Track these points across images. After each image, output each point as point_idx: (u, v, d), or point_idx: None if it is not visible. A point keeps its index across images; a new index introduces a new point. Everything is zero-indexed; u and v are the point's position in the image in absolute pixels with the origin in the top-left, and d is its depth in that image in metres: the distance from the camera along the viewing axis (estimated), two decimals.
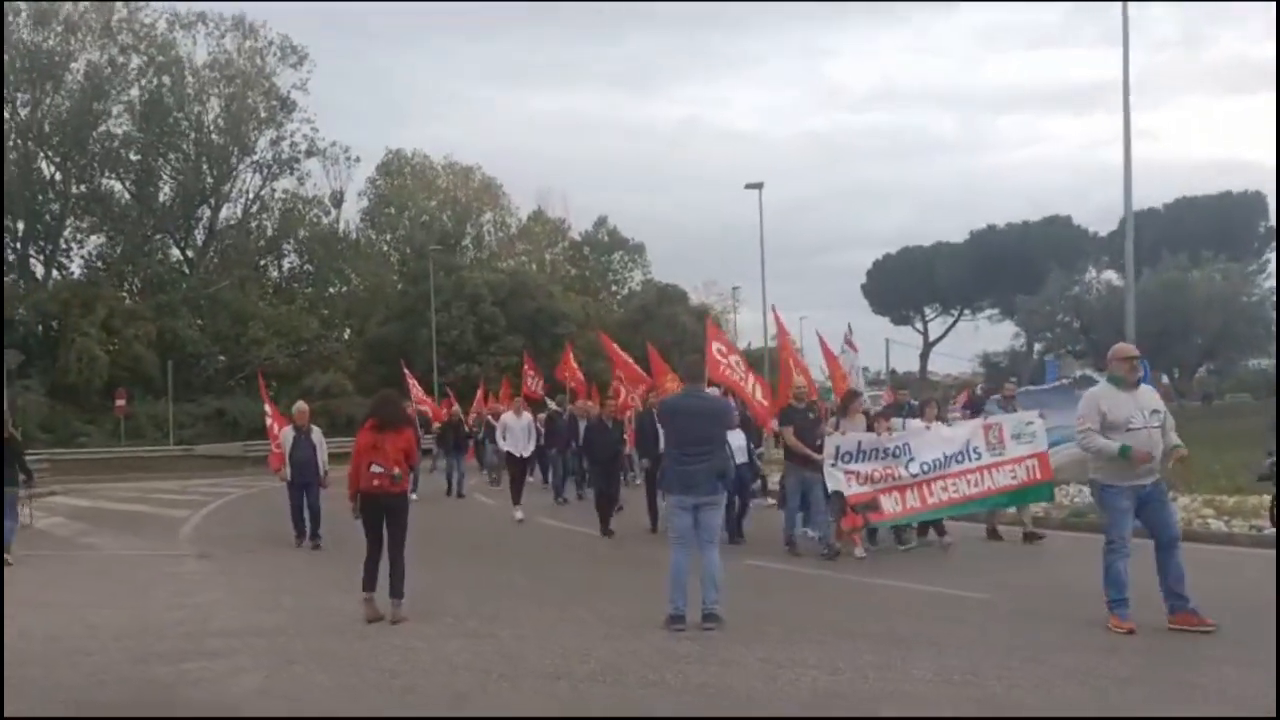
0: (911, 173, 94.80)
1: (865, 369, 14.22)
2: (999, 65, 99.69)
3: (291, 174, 49.51)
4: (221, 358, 45.38)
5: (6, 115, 42.63)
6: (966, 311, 67.93)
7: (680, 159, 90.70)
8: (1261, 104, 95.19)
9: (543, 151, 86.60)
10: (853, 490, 10.03)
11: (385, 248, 56.67)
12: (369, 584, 7.67)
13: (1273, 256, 53.41)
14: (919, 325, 71.03)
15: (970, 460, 10.33)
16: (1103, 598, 6.78)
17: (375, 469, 7.61)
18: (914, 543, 10.94)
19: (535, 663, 6.28)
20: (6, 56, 41.20)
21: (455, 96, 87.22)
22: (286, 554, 11.43)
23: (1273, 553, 9.11)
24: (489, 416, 20.88)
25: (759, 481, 14.35)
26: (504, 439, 15.20)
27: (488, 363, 41.83)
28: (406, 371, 27.18)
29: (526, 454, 15.33)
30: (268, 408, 14.70)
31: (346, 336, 51.80)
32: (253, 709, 5.49)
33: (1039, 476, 10.53)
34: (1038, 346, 46.34)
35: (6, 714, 5.37)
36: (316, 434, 12.36)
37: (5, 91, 40.45)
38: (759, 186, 30.83)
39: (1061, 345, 37.68)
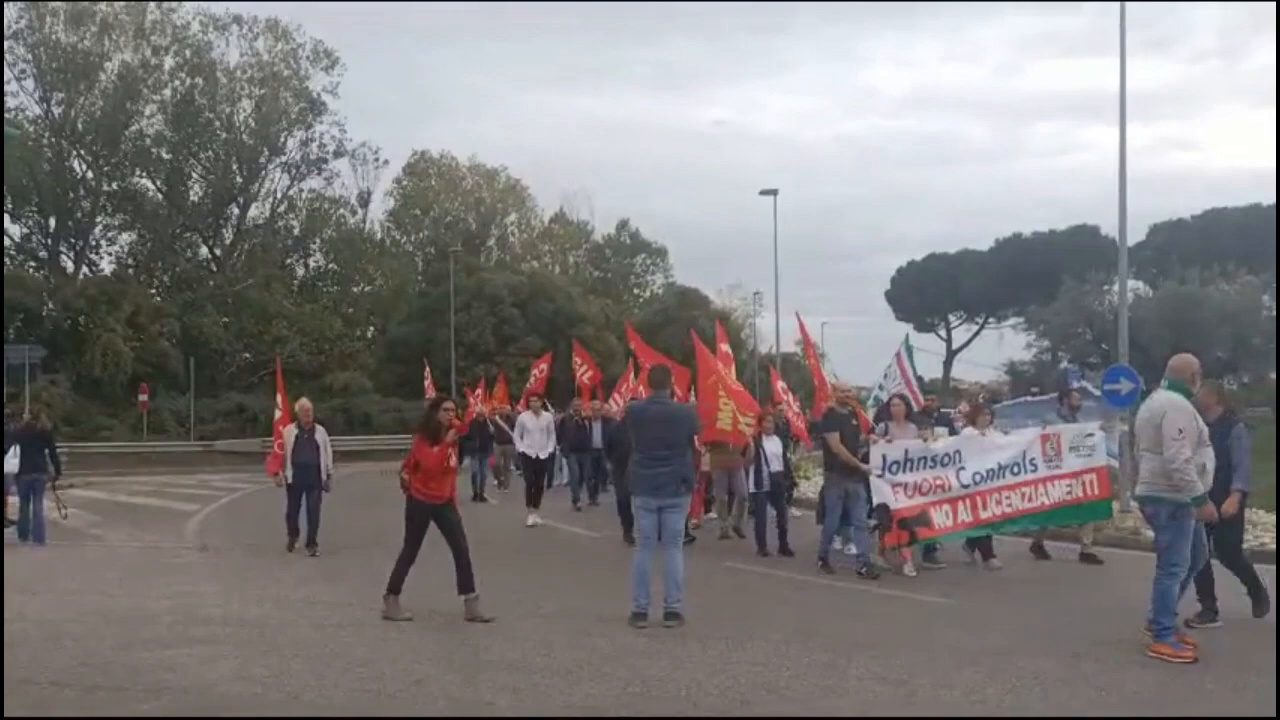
0: (944, 179, 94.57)
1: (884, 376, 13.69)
2: (1033, 72, 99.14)
3: (319, 174, 50.30)
4: (246, 355, 46.15)
5: (40, 114, 43.69)
6: (991, 320, 67.57)
7: (710, 162, 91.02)
8: None
9: (570, 153, 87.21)
10: (900, 504, 9.35)
11: (410, 248, 57.38)
12: (398, 585, 7.71)
13: None
14: (942, 333, 70.77)
15: (1026, 472, 9.61)
16: (1142, 621, 6.55)
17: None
18: (942, 564, 10.14)
19: (496, 655, 6.56)
20: (42, 57, 42.23)
21: (486, 97, 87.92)
22: (283, 549, 11.49)
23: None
24: (497, 417, 19.97)
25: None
26: (521, 439, 14.82)
27: (506, 363, 42.16)
28: (427, 371, 27.04)
29: (545, 455, 14.99)
30: (279, 399, 13.45)
31: (370, 335, 52.55)
32: (226, 693, 5.78)
33: (1097, 493, 9.86)
34: (1064, 356, 46.13)
35: (6, 714, 5.54)
36: (321, 434, 11.66)
37: (40, 91, 41.41)
38: (774, 193, 31.02)
39: (1083, 356, 37.46)
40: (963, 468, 9.54)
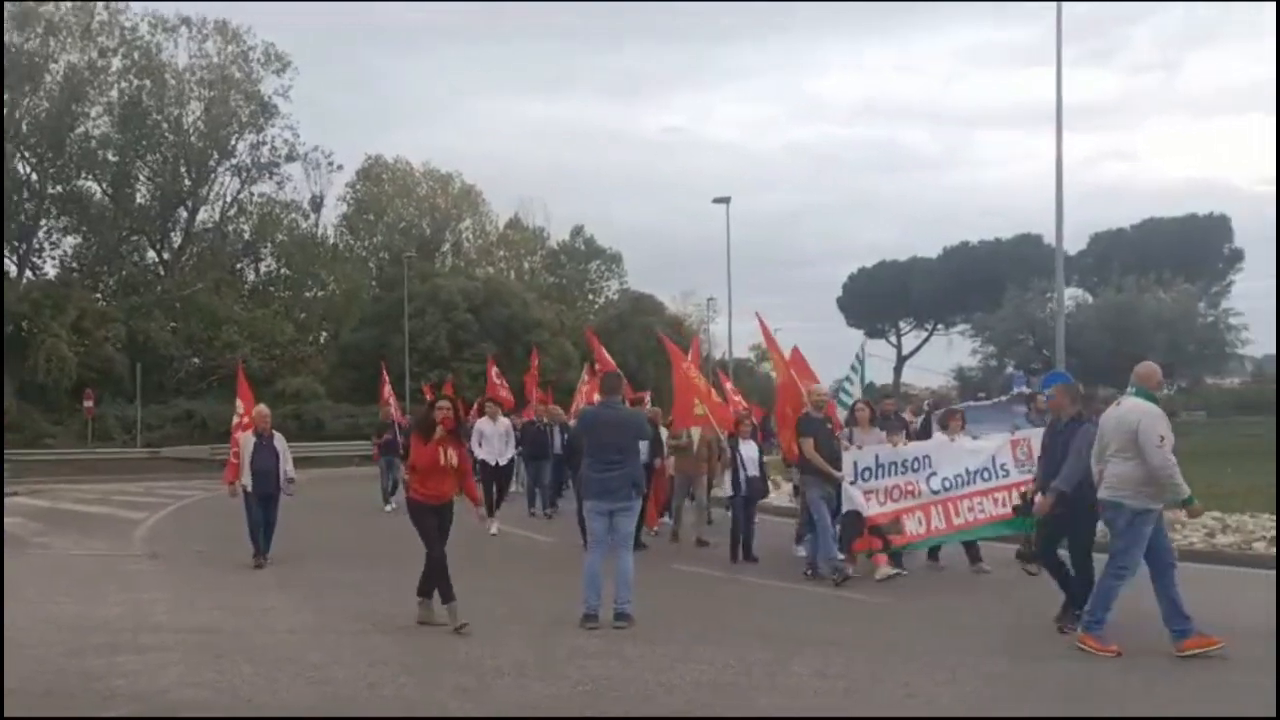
0: (895, 187, 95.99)
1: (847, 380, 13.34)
2: (980, 83, 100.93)
3: (271, 178, 49.90)
4: (194, 360, 45.55)
5: None
6: (940, 326, 68.79)
7: (664, 169, 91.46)
8: (1232, 127, 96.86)
9: (526, 159, 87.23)
10: (873, 510, 9.21)
11: (363, 253, 57.03)
12: (446, 591, 7.51)
13: (1236, 278, 54.60)
14: (893, 339, 71.87)
15: (997, 477, 9.47)
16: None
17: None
18: (905, 570, 9.67)
19: (450, 657, 6.68)
20: None
21: (442, 102, 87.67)
22: (235, 555, 11.34)
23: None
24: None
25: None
26: (480, 446, 14.34)
27: (462, 369, 42.12)
28: (385, 376, 25.92)
29: (504, 461, 14.67)
30: (240, 404, 12.79)
31: (322, 340, 52.12)
32: (176, 698, 5.83)
33: None
34: (1009, 362, 47.18)
35: (6, 714, 5.56)
36: (279, 440, 11.29)
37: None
38: (726, 201, 31.38)
39: (1027, 362, 38.35)
40: (933, 473, 9.43)
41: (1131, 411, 6.51)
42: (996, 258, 58.76)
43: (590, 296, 63.38)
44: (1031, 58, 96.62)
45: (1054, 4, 15.74)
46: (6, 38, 42.38)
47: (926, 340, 70.55)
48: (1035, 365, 34.27)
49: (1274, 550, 10.35)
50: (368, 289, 52.36)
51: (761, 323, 11.57)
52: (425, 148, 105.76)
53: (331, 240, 55.24)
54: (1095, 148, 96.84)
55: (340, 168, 53.86)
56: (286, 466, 11.18)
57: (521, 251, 63.05)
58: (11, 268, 45.76)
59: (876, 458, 9.36)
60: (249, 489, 10.96)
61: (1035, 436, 9.47)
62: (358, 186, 56.48)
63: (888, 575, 9.23)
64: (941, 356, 79.15)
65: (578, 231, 63.02)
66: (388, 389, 23.33)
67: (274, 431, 11.33)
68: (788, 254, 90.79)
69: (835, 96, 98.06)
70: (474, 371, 40.29)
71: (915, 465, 9.42)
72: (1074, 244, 58.22)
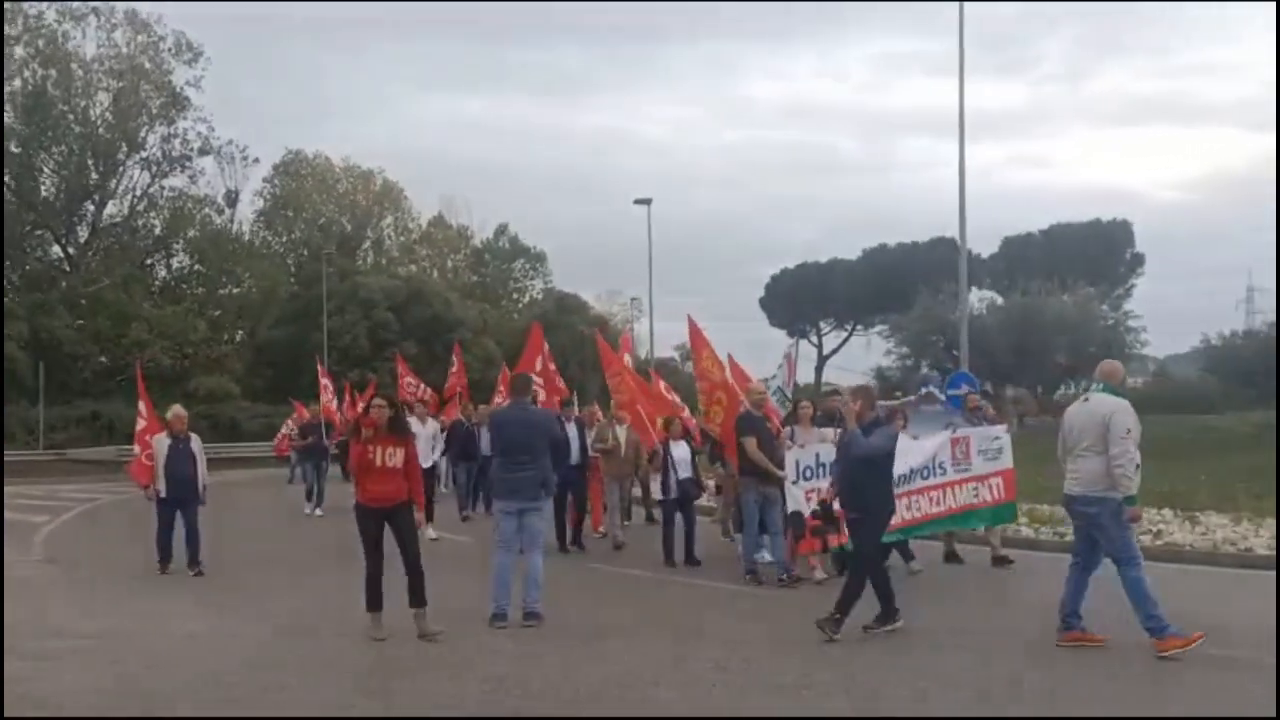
0: (821, 189, 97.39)
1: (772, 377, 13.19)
2: (900, 90, 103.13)
3: (183, 171, 48.53)
4: (102, 359, 44.04)
5: None
6: (859, 327, 70.08)
7: (592, 168, 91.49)
8: (1136, 136, 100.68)
9: (451, 156, 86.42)
10: (814, 510, 8.94)
11: (281, 250, 55.86)
12: (374, 602, 7.21)
13: (1137, 281, 56.86)
14: (814, 339, 72.99)
15: (935, 475, 9.39)
16: (1058, 615, 6.68)
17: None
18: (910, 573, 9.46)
19: (351, 659, 6.68)
20: None
21: (366, 97, 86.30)
22: (137, 559, 10.76)
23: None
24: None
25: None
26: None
27: (382, 369, 41.59)
28: (321, 369, 22.07)
29: (426, 464, 13.52)
30: (142, 406, 12.22)
31: (239, 339, 50.90)
32: (69, 704, 5.72)
33: (1003, 496, 9.87)
34: (925, 363, 48.42)
35: (6, 714, 5.51)
36: (195, 443, 10.63)
37: None
38: (647, 202, 31.61)
39: (940, 362, 39.40)
40: None
41: (1101, 405, 6.59)
42: (913, 260, 60.06)
43: (515, 296, 63.06)
44: (945, 68, 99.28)
45: (967, 17, 16.21)
46: None
47: (846, 340, 71.83)
48: (948, 366, 35.23)
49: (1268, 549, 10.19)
50: (286, 286, 51.28)
51: (692, 324, 11.30)
52: (347, 143, 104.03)
53: (247, 236, 53.92)
54: (1011, 154, 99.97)
55: (256, 161, 52.74)
56: (202, 471, 10.57)
57: (445, 250, 62.46)
58: None
59: (818, 456, 9.18)
60: (162, 495, 10.37)
61: (975, 436, 9.73)
62: (275, 182, 55.31)
63: (823, 577, 9.07)
64: (861, 357, 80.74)
65: (502, 230, 62.73)
66: (327, 385, 22.02)
67: (190, 434, 10.70)
68: (713, 254, 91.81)
69: (762, 100, 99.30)
70: (396, 370, 39.85)
71: None
72: (987, 248, 60.12)
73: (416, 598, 7.15)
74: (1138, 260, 58.32)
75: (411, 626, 7.13)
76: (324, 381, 20.62)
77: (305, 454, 17.92)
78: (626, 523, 13.10)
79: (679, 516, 10.66)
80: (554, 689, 5.88)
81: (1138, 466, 6.40)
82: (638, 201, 31.81)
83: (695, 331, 11.38)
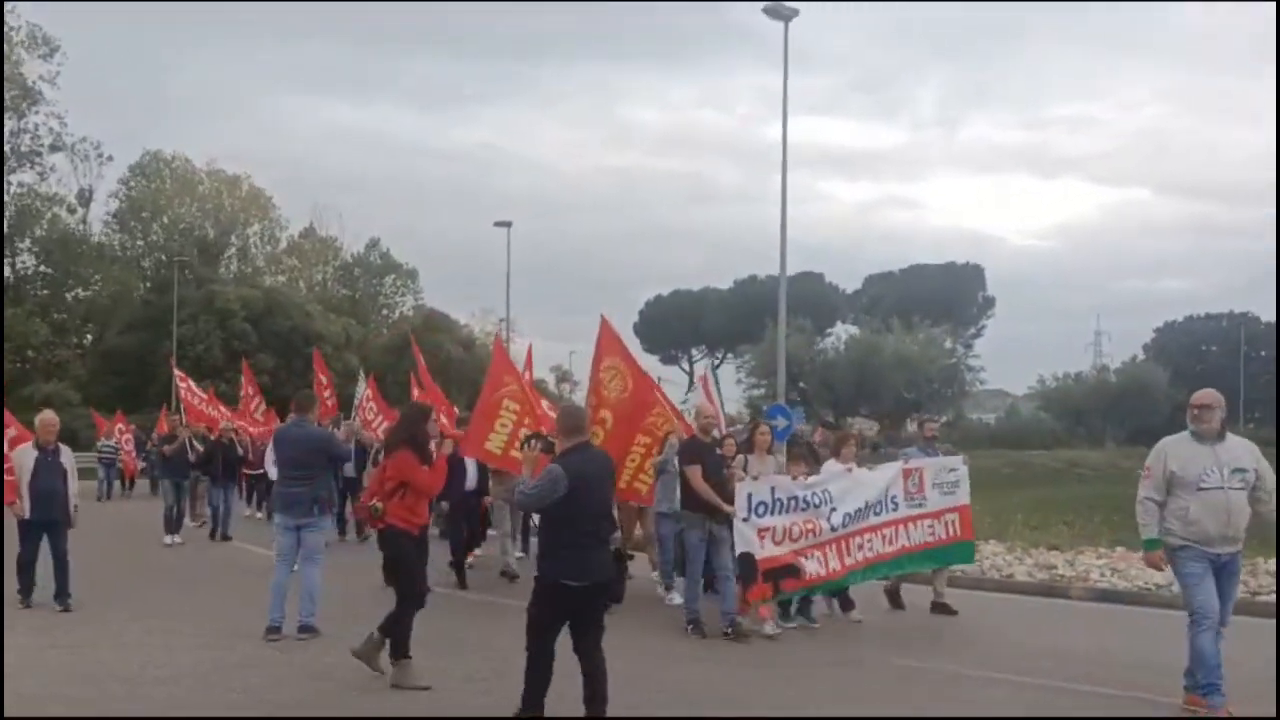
0: (704, 217, 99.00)
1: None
2: (779, 127, 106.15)
3: (32, 168, 46.29)
4: None
5: None
6: (729, 355, 71.72)
7: (473, 184, 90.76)
8: (999, 183, 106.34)
9: (324, 165, 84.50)
10: (767, 551, 7.88)
11: (137, 253, 53.67)
12: (402, 647, 6.38)
13: (988, 322, 60.06)
14: (685, 365, 74.23)
15: (887, 511, 8.57)
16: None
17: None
18: (815, 622, 8.56)
19: (119, 669, 6.63)
20: None
21: (234, 99, 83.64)
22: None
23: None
24: (190, 436, 15.17)
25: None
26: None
27: (235, 380, 40.40)
28: (179, 372, 20.36)
29: None
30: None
31: (88, 343, 48.64)
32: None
33: (959, 534, 8.99)
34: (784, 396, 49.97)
35: (6, 714, 5.45)
36: (66, 455, 9.03)
37: None
38: (507, 225, 31.85)
39: (787, 394, 40.83)
40: (834, 508, 8.27)
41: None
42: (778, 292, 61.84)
43: (384, 311, 62.11)
44: (831, 106, 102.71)
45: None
46: None
47: (717, 368, 73.37)
48: (794, 398, 36.51)
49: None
50: (138, 291, 49.29)
51: (605, 324, 9.98)
52: (213, 145, 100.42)
53: (100, 238, 51.65)
54: (881, 194, 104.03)
55: (110, 159, 50.74)
56: (73, 488, 8.98)
57: (314, 261, 61.11)
58: None
59: (773, 491, 8.05)
60: (25, 516, 8.80)
61: (928, 467, 8.94)
62: (132, 183, 53.20)
63: (775, 631, 8.03)
64: (731, 385, 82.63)
65: (374, 244, 61.74)
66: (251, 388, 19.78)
67: (60, 445, 9.08)
68: (593, 276, 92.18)
69: (644, 125, 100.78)
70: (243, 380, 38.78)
71: (816, 501, 8.22)
72: (852, 284, 62.58)
73: (399, 647, 6.44)
74: (989, 302, 61.60)
75: (179, 642, 7.05)
76: (185, 389, 18.95)
77: (166, 471, 15.05)
78: (521, 554, 11.47)
79: None
80: (300, 697, 5.98)
81: (1185, 513, 5.81)
82: (498, 224, 32.02)
83: (606, 335, 9.98)
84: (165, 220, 53.78)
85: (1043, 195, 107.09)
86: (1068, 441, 45.23)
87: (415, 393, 17.44)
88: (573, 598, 5.13)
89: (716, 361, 73.12)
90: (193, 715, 5.81)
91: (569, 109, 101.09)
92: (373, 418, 17.07)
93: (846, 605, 8.81)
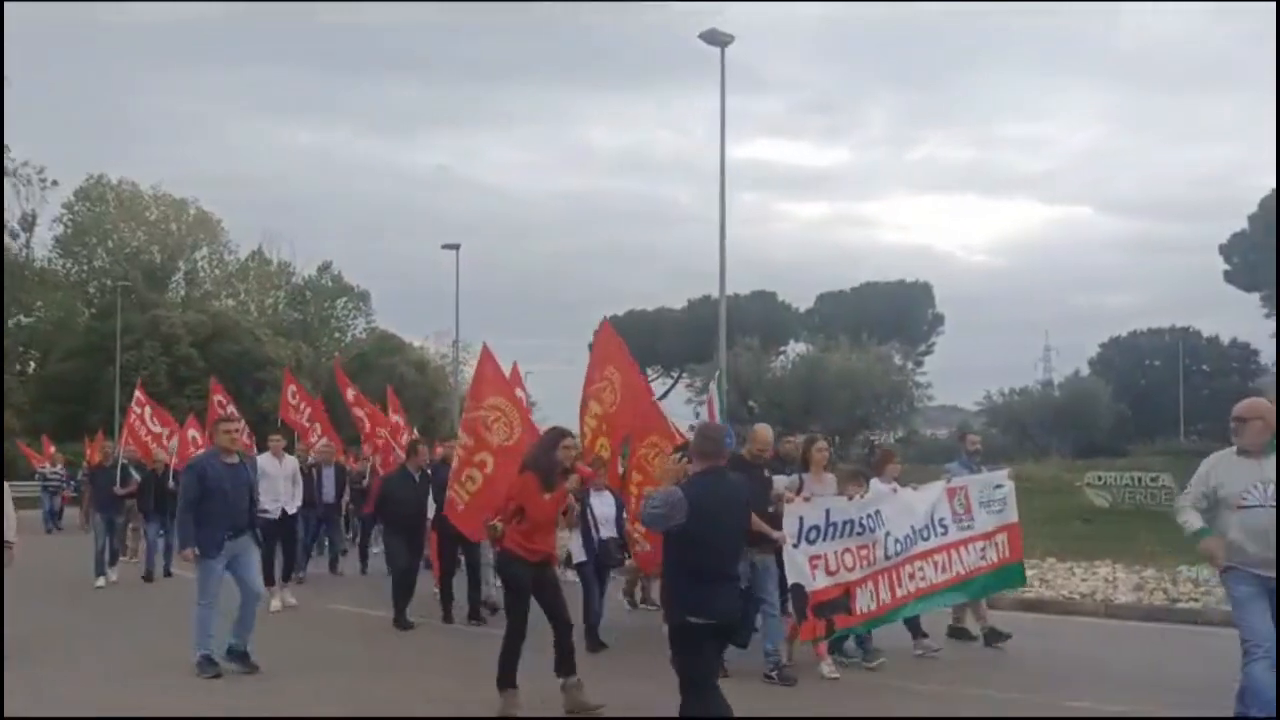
0: (662, 238, 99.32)
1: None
2: (737, 147, 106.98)
3: None
4: None
5: None
6: (684, 375, 72.04)
7: (427, 207, 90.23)
8: (949, 202, 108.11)
9: (276, 188, 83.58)
10: (819, 584, 7.13)
11: (81, 279, 52.79)
12: (509, 677, 6.20)
13: (937, 339, 60.88)
14: None
15: (936, 536, 7.86)
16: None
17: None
18: (881, 658, 7.62)
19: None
20: None
21: (182, 122, 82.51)
22: None
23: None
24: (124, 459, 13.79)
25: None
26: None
27: (181, 406, 39.82)
28: (141, 393, 17.55)
29: (292, 509, 11.12)
30: None
31: (31, 370, 47.65)
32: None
33: (1009, 556, 8.33)
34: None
35: (6, 714, 5.47)
36: (6, 491, 7.58)
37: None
38: (456, 247, 31.87)
39: (736, 413, 41.11)
40: (888, 533, 7.56)
41: None
42: (733, 311, 62.06)
43: (336, 335, 61.58)
44: (786, 128, 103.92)
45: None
46: None
47: (673, 386, 73.61)
48: (744, 416, 36.78)
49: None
50: (82, 317, 48.45)
51: (606, 328, 9.31)
52: (161, 169, 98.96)
53: (41, 264, 50.73)
54: (836, 214, 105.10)
55: (55, 184, 49.90)
56: (9, 527, 7.50)
57: (266, 285, 60.50)
58: None
59: (828, 514, 7.23)
60: None
61: (972, 485, 8.27)
62: (76, 207, 52.37)
63: (834, 674, 7.19)
64: (684, 406, 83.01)
65: (325, 267, 61.26)
66: (227, 409, 15.85)
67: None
68: (547, 297, 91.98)
69: (600, 147, 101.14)
70: (198, 409, 38.21)
71: (871, 524, 7.46)
72: (804, 302, 63.18)
73: (567, 665, 6.27)
74: (939, 319, 62.43)
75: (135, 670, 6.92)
76: (220, 399, 16.76)
77: (99, 505, 13.55)
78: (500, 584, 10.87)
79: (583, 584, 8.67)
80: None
81: (1200, 533, 5.53)
82: (446, 246, 32.00)
83: (608, 337, 9.19)
84: (110, 245, 53.02)
85: (991, 214, 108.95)
86: (1016, 456, 45.95)
87: (357, 413, 16.87)
88: (703, 636, 4.72)
89: (671, 381, 73.65)
90: (193, 715, 5.86)
91: (524, 132, 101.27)
92: (298, 413, 16.48)
93: (917, 633, 7.97)
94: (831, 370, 37.57)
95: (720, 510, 4.83)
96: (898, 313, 56.95)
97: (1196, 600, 10.15)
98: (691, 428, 8.88)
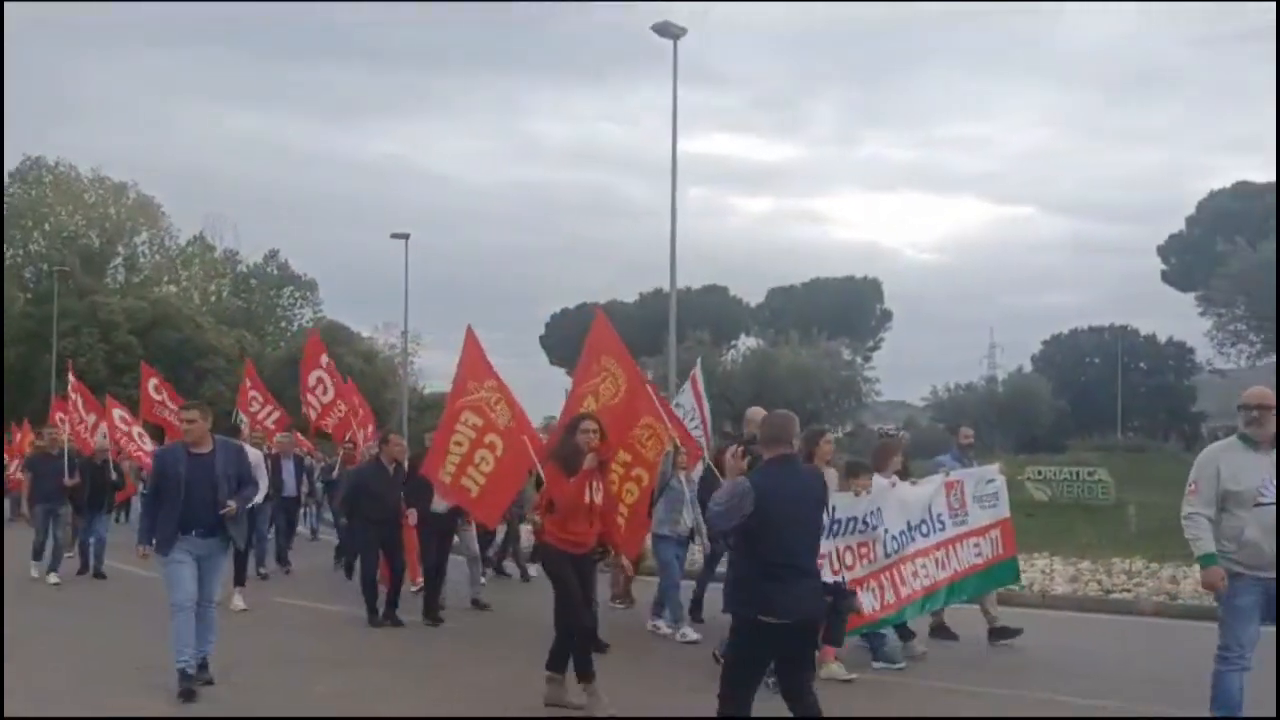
0: (613, 231, 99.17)
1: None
2: (688, 141, 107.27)
3: None
4: None
5: None
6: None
7: (376, 196, 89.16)
8: (892, 199, 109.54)
9: (222, 174, 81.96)
10: (826, 581, 6.79)
11: (16, 263, 51.32)
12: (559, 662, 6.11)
13: (885, 335, 61.75)
14: None
15: (934, 532, 7.66)
16: None
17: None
18: (908, 656, 7.42)
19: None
20: None
21: (123, 104, 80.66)
22: None
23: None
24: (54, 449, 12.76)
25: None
26: None
27: (120, 395, 38.93)
28: (74, 378, 15.24)
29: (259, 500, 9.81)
30: None
31: None
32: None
33: (1002, 552, 8.10)
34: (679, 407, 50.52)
35: (6, 714, 5.45)
36: None
37: None
38: (405, 237, 31.57)
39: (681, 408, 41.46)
40: (886, 529, 7.36)
41: None
42: (685, 305, 62.31)
43: (282, 324, 60.63)
44: (739, 123, 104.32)
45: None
46: None
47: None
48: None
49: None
50: (17, 303, 47.12)
51: (600, 316, 8.99)
52: (102, 153, 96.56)
53: None
54: (786, 209, 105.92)
55: None
56: None
57: (210, 273, 59.36)
58: None
59: (832, 510, 6.83)
60: None
61: (968, 479, 8.06)
62: (11, 189, 50.87)
63: (848, 677, 6.77)
64: None
65: (272, 255, 60.27)
66: (161, 399, 15.55)
67: None
68: (497, 289, 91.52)
69: (549, 139, 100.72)
70: (135, 398, 37.41)
71: (873, 520, 7.26)
72: (755, 296, 63.61)
73: (585, 670, 6.03)
74: (886, 315, 63.30)
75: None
76: (157, 400, 15.91)
77: (41, 496, 12.64)
78: (484, 581, 10.51)
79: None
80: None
81: (1239, 534, 5.07)
82: (395, 236, 31.66)
83: (603, 328, 8.75)
84: (47, 228, 51.63)
85: (936, 212, 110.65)
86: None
87: (308, 399, 15.36)
88: (776, 637, 4.45)
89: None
90: (192, 715, 5.81)
91: (474, 121, 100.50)
92: (259, 409, 15.42)
93: (906, 635, 7.60)
94: (782, 364, 37.98)
95: (792, 500, 4.55)
96: (847, 308, 57.66)
97: (1129, 591, 10.46)
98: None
